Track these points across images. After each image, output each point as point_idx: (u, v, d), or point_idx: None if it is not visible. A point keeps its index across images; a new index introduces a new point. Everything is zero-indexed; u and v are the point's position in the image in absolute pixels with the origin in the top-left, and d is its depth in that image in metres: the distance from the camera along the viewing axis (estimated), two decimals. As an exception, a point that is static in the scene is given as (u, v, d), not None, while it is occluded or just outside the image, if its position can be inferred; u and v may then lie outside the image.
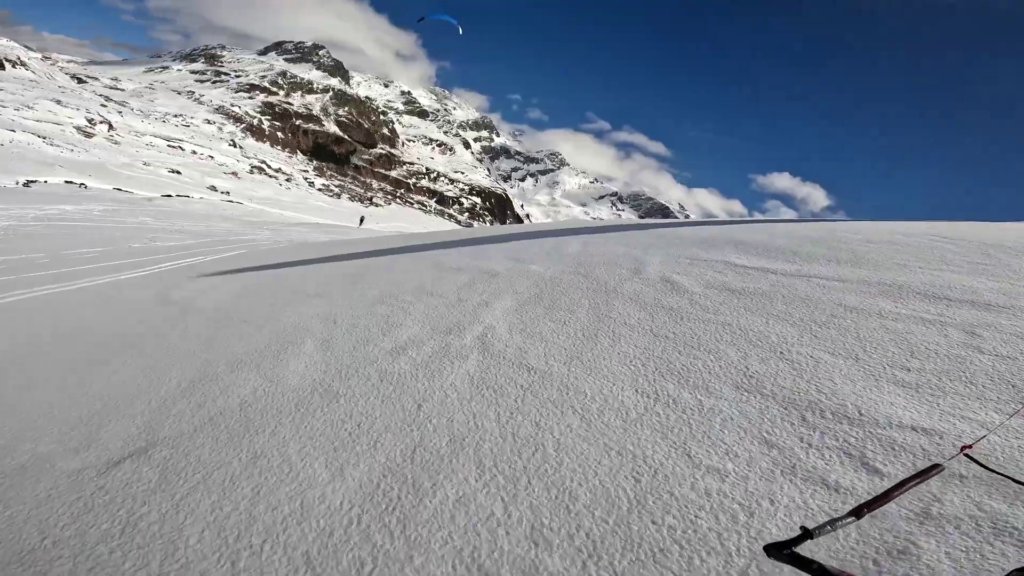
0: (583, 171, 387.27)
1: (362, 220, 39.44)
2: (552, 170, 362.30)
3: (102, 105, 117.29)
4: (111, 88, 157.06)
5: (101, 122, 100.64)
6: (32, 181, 47.51)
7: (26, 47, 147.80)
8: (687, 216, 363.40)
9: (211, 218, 34.91)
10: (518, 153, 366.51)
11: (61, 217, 19.11)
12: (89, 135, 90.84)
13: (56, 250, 10.12)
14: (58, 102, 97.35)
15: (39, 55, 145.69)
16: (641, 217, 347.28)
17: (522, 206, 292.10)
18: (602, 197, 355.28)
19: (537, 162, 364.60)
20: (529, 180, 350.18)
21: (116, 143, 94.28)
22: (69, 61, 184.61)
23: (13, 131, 70.67)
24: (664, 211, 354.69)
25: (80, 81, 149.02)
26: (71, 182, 51.47)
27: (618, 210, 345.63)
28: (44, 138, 73.28)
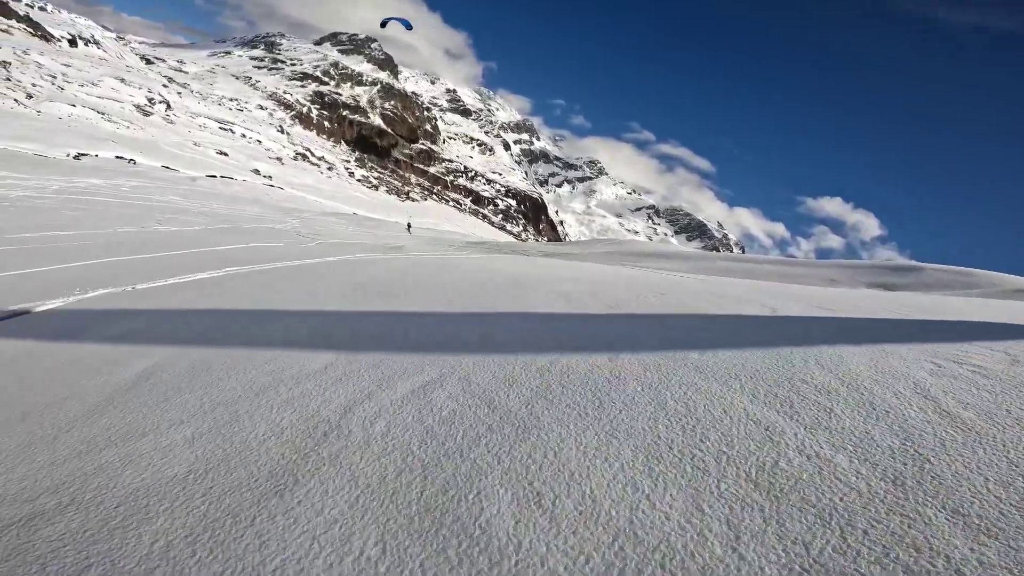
0: (621, 181, 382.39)
1: (409, 226, 33.49)
2: (590, 178, 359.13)
3: (163, 86, 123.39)
4: (175, 70, 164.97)
5: (160, 102, 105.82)
6: (83, 154, 49.75)
7: (103, 27, 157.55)
8: (725, 236, 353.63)
9: (243, 201, 35.46)
10: (557, 158, 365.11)
11: (85, 191, 19.42)
12: (147, 114, 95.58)
13: (37, 229, 10.17)
14: (122, 80, 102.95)
15: (113, 35, 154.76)
16: (676, 233, 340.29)
17: (556, 212, 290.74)
18: (639, 209, 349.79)
19: (575, 168, 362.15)
20: (566, 186, 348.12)
21: (171, 123, 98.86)
22: (141, 42, 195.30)
23: (74, 106, 74.98)
24: (701, 228, 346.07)
25: (148, 62, 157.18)
26: (121, 157, 53.72)
27: (654, 223, 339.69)
28: (103, 114, 77.47)
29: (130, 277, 5.72)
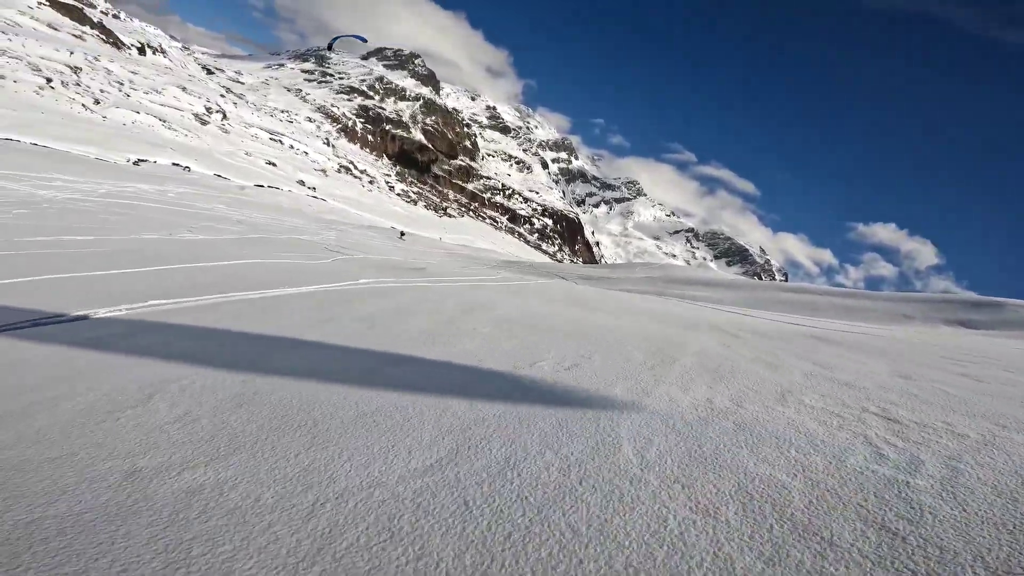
0: (660, 203, 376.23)
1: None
2: (628, 199, 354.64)
3: (221, 96, 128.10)
4: (233, 81, 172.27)
5: (217, 111, 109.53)
6: (142, 160, 50.99)
7: (171, 36, 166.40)
8: (767, 261, 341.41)
9: (284, 211, 35.02)
10: (595, 178, 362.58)
11: (132, 195, 18.64)
12: (204, 122, 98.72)
13: (55, 232, 8.58)
14: (184, 89, 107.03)
15: (179, 45, 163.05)
16: (716, 258, 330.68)
17: (592, 233, 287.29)
18: (677, 232, 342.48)
19: (613, 189, 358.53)
20: (603, 207, 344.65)
21: (226, 132, 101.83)
22: (204, 52, 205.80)
23: (137, 112, 77.67)
24: (743, 254, 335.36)
25: (209, 72, 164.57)
26: (177, 164, 54.82)
27: (693, 247, 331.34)
28: (164, 122, 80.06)
29: (76, 297, 4.29)
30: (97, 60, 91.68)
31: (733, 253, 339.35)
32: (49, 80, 71.99)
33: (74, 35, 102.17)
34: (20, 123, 46.74)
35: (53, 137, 44.76)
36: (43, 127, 47.84)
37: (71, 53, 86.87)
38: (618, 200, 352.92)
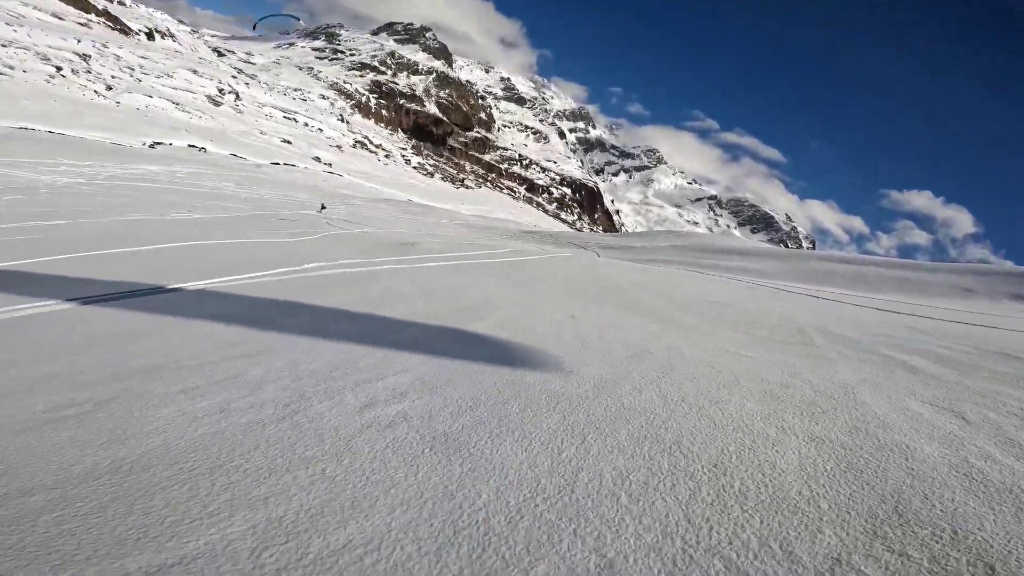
0: (681, 171, 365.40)
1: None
2: (647, 167, 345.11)
3: (233, 77, 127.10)
4: (244, 62, 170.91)
5: (230, 92, 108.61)
6: (158, 143, 50.54)
7: (179, 20, 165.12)
8: (793, 228, 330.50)
9: (299, 187, 34.34)
10: (613, 147, 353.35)
11: (139, 177, 18.05)
12: (217, 104, 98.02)
13: (31, 218, 7.68)
14: (195, 72, 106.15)
15: (188, 28, 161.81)
16: (740, 225, 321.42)
17: (612, 201, 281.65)
18: (699, 200, 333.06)
19: (632, 158, 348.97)
20: (622, 175, 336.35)
21: (240, 112, 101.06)
22: (213, 35, 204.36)
23: (151, 96, 77.10)
24: (767, 221, 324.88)
25: (219, 54, 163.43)
26: (193, 146, 54.30)
27: (715, 214, 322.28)
28: (177, 104, 79.45)
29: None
30: (106, 47, 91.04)
31: (757, 220, 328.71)
32: (59, 69, 71.63)
33: (79, 23, 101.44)
34: (35, 112, 46.41)
35: (68, 125, 44.36)
36: (58, 115, 47.46)
37: (78, 41, 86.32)
38: (638, 168, 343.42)
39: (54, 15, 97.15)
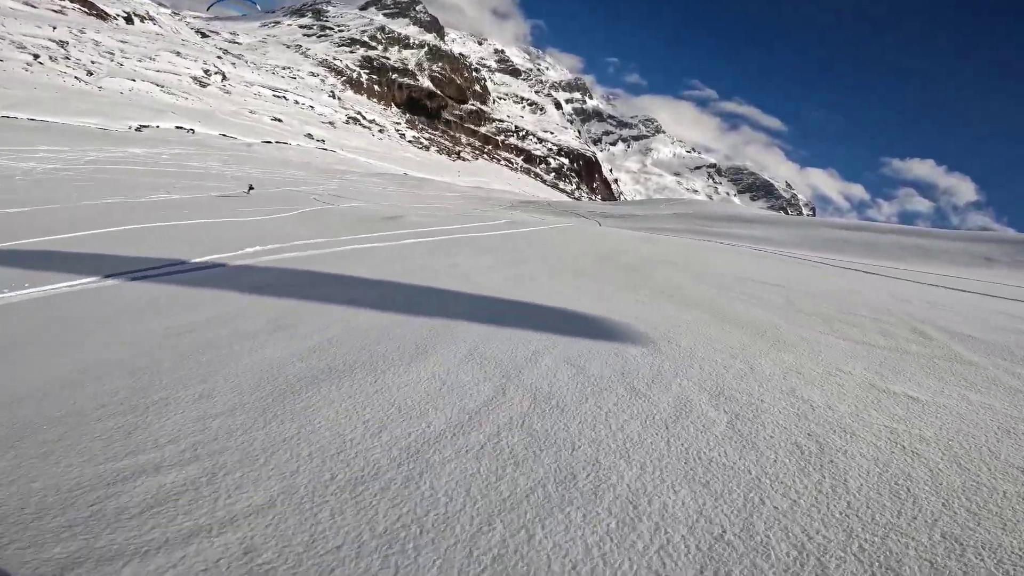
0: (680, 140, 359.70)
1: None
2: (645, 136, 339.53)
3: (218, 57, 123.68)
4: (229, 42, 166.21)
5: (216, 73, 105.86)
6: (144, 126, 49.36)
7: (159, 3, 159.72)
8: (794, 196, 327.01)
9: (291, 165, 33.81)
10: (611, 117, 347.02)
11: (120, 160, 17.49)
12: (204, 85, 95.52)
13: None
14: (178, 54, 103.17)
15: (168, 11, 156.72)
16: (740, 193, 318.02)
17: (611, 171, 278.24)
18: (698, 168, 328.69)
19: (630, 127, 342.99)
20: (620, 145, 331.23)
21: (227, 92, 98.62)
22: (195, 16, 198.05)
23: (133, 80, 75.01)
24: (767, 188, 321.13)
25: (203, 35, 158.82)
26: (181, 127, 53.15)
27: (715, 182, 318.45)
28: (162, 87, 77.39)
29: None
30: (83, 32, 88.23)
31: (757, 188, 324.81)
32: (36, 56, 69.48)
33: (53, 10, 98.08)
34: (15, 101, 45.03)
35: (51, 111, 43.20)
36: (39, 102, 46.11)
37: (54, 28, 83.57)
38: (636, 138, 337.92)
39: (26, 3, 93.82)
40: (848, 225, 16.37)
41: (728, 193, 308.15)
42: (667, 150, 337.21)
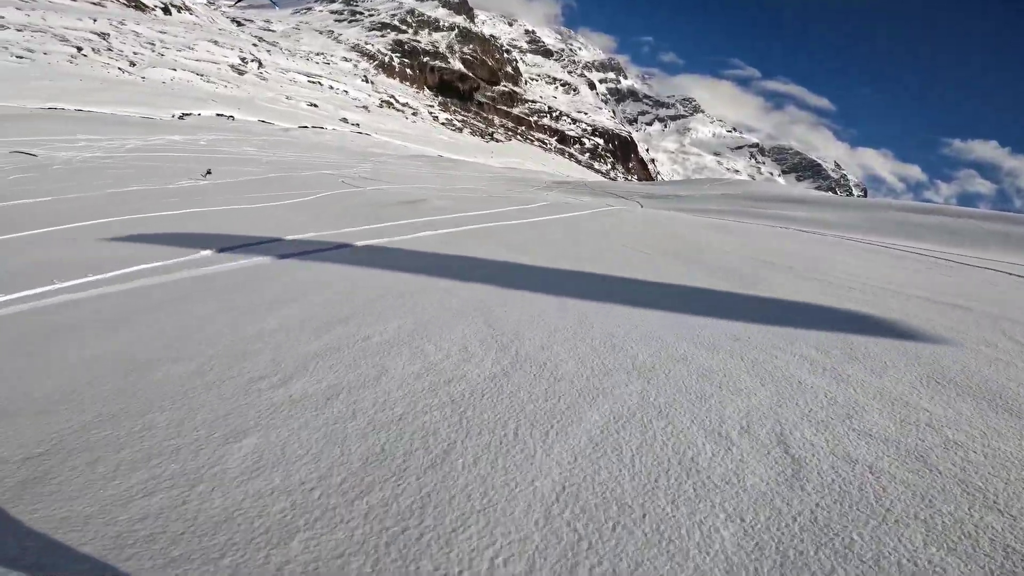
0: (719, 119, 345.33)
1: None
2: (683, 116, 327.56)
3: (254, 45, 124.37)
4: (264, 30, 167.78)
5: (252, 60, 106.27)
6: (187, 114, 49.52)
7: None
8: (843, 176, 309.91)
9: (327, 148, 33.34)
10: (647, 97, 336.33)
11: (161, 147, 17.22)
12: (241, 72, 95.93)
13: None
14: (215, 43, 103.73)
15: (203, 1, 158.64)
16: (784, 173, 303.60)
17: (647, 150, 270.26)
18: (739, 148, 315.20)
19: (667, 107, 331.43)
20: (657, 125, 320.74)
21: (264, 79, 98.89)
22: (230, 6, 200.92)
23: (174, 70, 75.48)
24: (815, 168, 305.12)
25: (238, 24, 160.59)
26: (221, 114, 53.20)
27: (758, 162, 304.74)
28: (201, 75, 77.72)
29: None
30: (123, 24, 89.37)
31: (803, 168, 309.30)
32: (80, 48, 70.46)
33: (92, 3, 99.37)
34: (62, 92, 45.35)
35: (97, 102, 43.30)
36: (85, 93, 46.39)
37: (94, 20, 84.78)
38: (673, 118, 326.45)
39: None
40: (917, 208, 14.08)
41: (772, 173, 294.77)
42: (706, 130, 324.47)
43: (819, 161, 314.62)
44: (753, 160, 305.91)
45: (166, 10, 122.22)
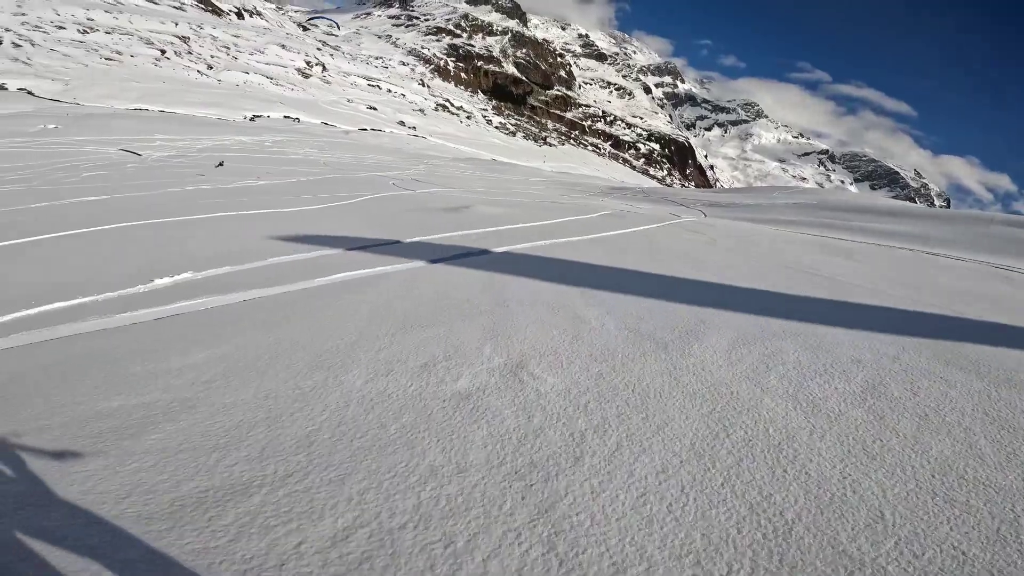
0: (784, 125, 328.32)
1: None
2: (745, 121, 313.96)
3: (318, 49, 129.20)
4: (327, 34, 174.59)
5: (316, 64, 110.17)
6: (257, 116, 51.22)
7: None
8: (924, 185, 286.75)
9: (383, 151, 33.63)
10: (705, 101, 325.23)
11: (229, 148, 18.20)
12: (306, 76, 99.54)
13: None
14: (283, 47, 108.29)
15: (273, 5, 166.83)
16: (857, 181, 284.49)
17: (706, 156, 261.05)
18: (807, 154, 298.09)
19: (727, 112, 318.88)
20: (716, 130, 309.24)
21: (327, 83, 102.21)
22: (296, 11, 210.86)
23: (247, 73, 79.03)
24: (892, 176, 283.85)
25: (304, 28, 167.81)
26: (288, 117, 54.79)
27: (827, 169, 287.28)
28: (271, 79, 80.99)
29: None
30: (201, 28, 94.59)
31: (879, 176, 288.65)
32: (163, 51, 74.89)
33: (174, 7, 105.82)
34: (147, 93, 47.95)
35: (178, 103, 45.48)
36: (168, 95, 48.86)
37: (176, 24, 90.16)
38: (733, 123, 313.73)
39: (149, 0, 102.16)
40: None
41: (843, 181, 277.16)
42: (770, 135, 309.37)
43: (896, 169, 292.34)
44: (822, 167, 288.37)
45: (239, 14, 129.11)
